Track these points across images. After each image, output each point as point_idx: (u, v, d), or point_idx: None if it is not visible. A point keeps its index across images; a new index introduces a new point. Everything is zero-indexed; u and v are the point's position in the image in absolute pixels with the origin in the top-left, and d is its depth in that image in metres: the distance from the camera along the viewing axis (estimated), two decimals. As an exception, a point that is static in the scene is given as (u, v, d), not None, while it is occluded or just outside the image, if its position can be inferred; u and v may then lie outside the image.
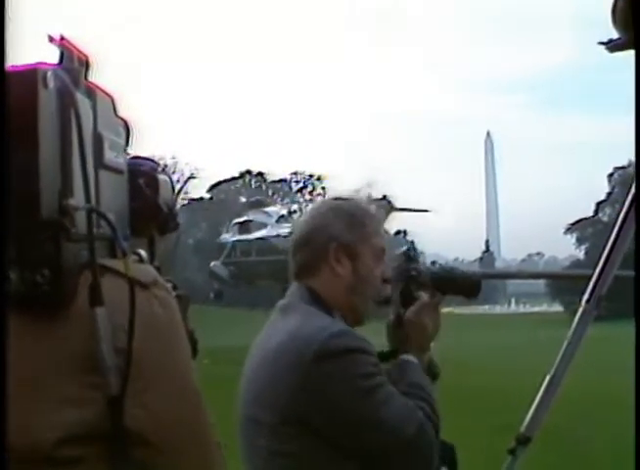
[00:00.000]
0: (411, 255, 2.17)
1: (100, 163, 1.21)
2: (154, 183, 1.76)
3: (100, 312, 1.12)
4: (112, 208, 1.23)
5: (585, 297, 2.37)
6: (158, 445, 1.15)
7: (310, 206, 2.16)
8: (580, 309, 2.37)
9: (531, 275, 16.12)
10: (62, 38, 1.18)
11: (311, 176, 64.65)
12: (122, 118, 1.32)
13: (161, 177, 1.81)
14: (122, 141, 1.32)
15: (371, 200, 2.13)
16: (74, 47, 1.20)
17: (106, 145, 1.23)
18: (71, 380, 1.12)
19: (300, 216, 2.13)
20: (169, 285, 1.77)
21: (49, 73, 1.12)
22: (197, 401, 1.24)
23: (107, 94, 1.28)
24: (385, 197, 30.91)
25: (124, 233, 1.27)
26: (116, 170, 1.27)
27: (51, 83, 1.11)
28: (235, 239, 37.51)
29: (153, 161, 1.90)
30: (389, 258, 2.13)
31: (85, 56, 1.23)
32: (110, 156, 1.24)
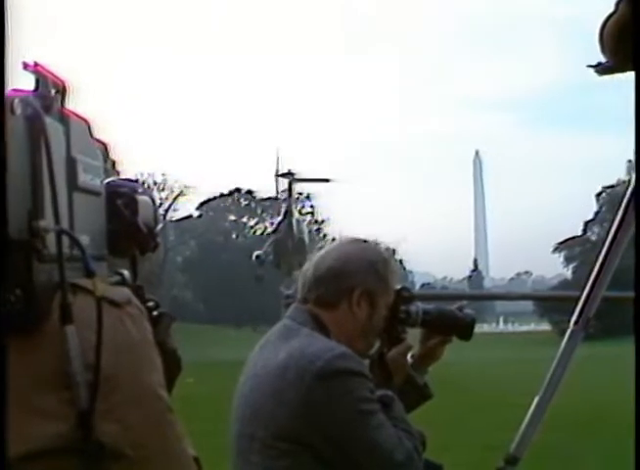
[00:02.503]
0: (404, 295, 2.21)
1: (74, 185, 1.25)
2: (133, 204, 1.79)
3: (70, 331, 1.16)
4: (87, 229, 1.27)
5: (573, 318, 2.37)
6: (132, 459, 1.18)
7: (340, 241, 2.29)
8: (568, 331, 2.37)
9: (520, 297, 16.29)
10: (36, 64, 1.22)
11: (300, 194, 64.76)
12: (102, 141, 1.38)
13: (141, 198, 1.84)
14: (100, 163, 1.37)
15: (391, 253, 2.29)
16: (50, 73, 1.24)
17: (80, 168, 1.27)
18: (45, 395, 1.15)
19: (327, 248, 2.25)
20: (152, 303, 1.78)
21: (16, 101, 1.15)
22: (169, 417, 1.27)
23: (82, 119, 1.32)
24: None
25: (101, 253, 1.32)
26: (92, 192, 1.32)
27: (18, 110, 1.15)
28: None
29: (134, 181, 1.94)
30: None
31: (62, 81, 1.27)
32: (84, 178, 1.29)
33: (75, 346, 1.15)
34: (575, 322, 2.36)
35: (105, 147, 1.39)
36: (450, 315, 2.27)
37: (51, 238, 1.17)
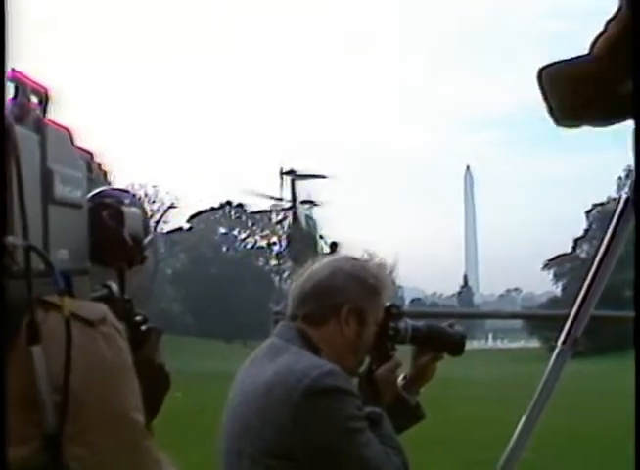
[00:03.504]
0: (393, 312, 2.21)
1: (49, 198, 1.20)
2: (119, 216, 1.75)
3: (37, 351, 1.11)
4: (65, 242, 1.22)
5: (561, 337, 2.37)
6: None
7: (329, 258, 2.23)
8: (556, 350, 2.37)
9: (509, 315, 16.39)
10: (14, 71, 1.16)
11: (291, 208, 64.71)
12: (89, 151, 1.32)
13: (128, 210, 1.80)
14: (81, 174, 1.31)
15: (384, 268, 2.24)
16: (30, 81, 1.19)
17: (56, 180, 1.21)
18: (13, 416, 1.10)
19: (316, 263, 2.22)
20: (140, 318, 1.75)
21: None
22: (144, 442, 1.23)
23: (62, 128, 1.26)
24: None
25: (82, 267, 1.27)
26: (72, 205, 1.27)
27: None
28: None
29: (125, 192, 1.90)
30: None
31: (44, 89, 1.22)
32: (62, 190, 1.23)
33: (42, 366, 1.11)
34: (563, 341, 2.36)
35: (91, 157, 1.33)
36: (440, 332, 2.26)
37: (22, 253, 1.12)
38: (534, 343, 46.42)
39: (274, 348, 2.08)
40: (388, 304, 2.21)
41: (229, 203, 64.00)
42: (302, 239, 29.02)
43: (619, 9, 2.06)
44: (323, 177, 28.79)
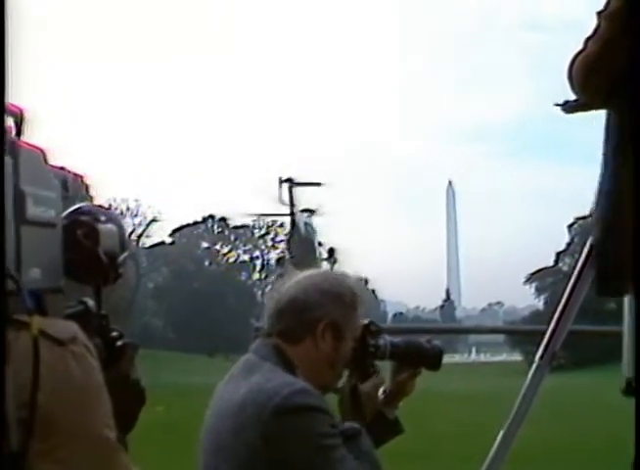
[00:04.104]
0: (372, 329, 2.23)
1: (22, 219, 1.23)
2: (93, 234, 1.76)
3: (6, 370, 1.10)
4: (37, 262, 1.24)
5: (539, 353, 2.38)
6: None
7: (305, 273, 2.23)
8: (534, 366, 2.38)
9: (490, 330, 16.55)
10: None
11: (274, 222, 64.68)
12: (63, 168, 1.33)
13: (104, 227, 1.80)
14: (55, 194, 1.32)
15: (360, 282, 2.23)
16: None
17: (29, 201, 1.24)
18: None
19: (292, 278, 2.23)
20: (116, 334, 1.75)
21: None
22: (116, 458, 1.24)
23: (35, 148, 1.28)
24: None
25: (56, 285, 1.28)
26: (45, 224, 1.28)
27: None
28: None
29: (102, 208, 1.90)
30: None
31: (20, 110, 1.24)
32: (34, 211, 1.26)
33: (10, 384, 1.10)
34: (541, 357, 2.37)
35: (71, 174, 1.35)
36: (418, 347, 2.29)
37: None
38: (516, 356, 46.53)
39: (249, 365, 2.08)
40: (366, 321, 2.22)
41: (212, 217, 63.92)
42: (302, 246, 29.91)
43: (597, 27, 2.08)
44: (318, 184, 30.11)
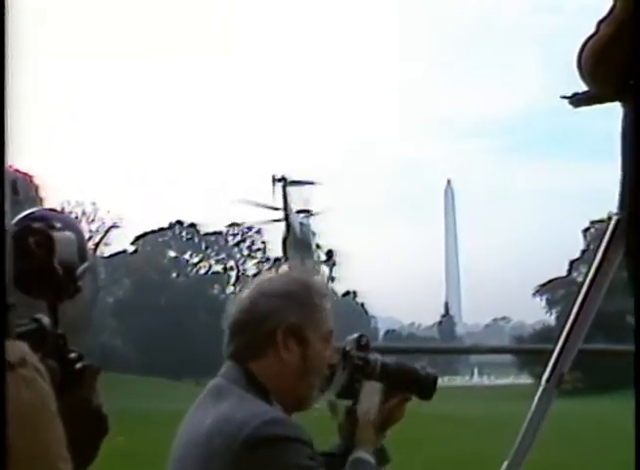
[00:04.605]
0: (362, 342, 2.25)
1: None
2: (47, 242, 1.75)
3: None
4: None
5: (545, 375, 2.38)
6: None
7: (254, 281, 2.22)
8: (540, 389, 2.39)
9: (489, 350, 16.40)
10: None
11: (250, 229, 64.61)
12: (14, 169, 1.32)
13: (59, 234, 1.79)
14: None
15: (317, 271, 2.20)
16: None
17: None
18: None
19: (243, 291, 2.20)
20: (74, 355, 1.75)
21: None
22: None
23: None
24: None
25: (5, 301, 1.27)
26: None
27: None
28: None
29: (57, 212, 1.89)
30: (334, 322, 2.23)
31: None
32: None
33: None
34: (547, 379, 2.37)
35: (20, 175, 1.34)
36: (411, 371, 2.31)
37: None
38: (525, 379, 46.64)
39: (217, 390, 2.08)
40: (356, 334, 2.24)
41: (180, 222, 63.80)
42: (297, 247, 31.21)
43: (612, 8, 2.10)
44: (312, 183, 31.60)
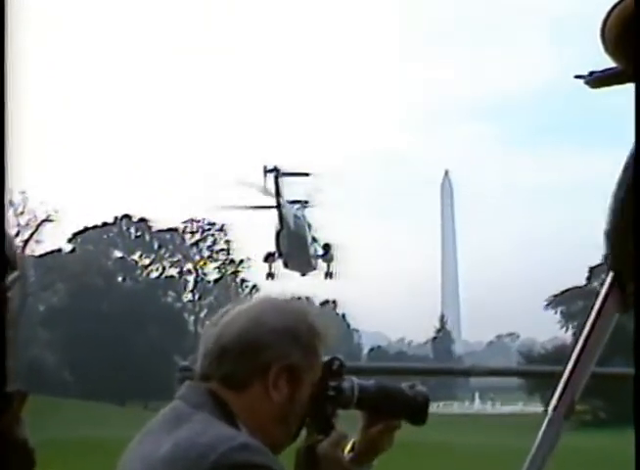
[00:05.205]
0: (333, 367, 2.26)
1: None
2: None
3: None
4: None
5: (553, 402, 2.39)
6: None
7: (254, 303, 2.28)
8: (546, 419, 2.39)
9: (491, 372, 16.42)
10: None
11: (212, 225, 64.79)
12: None
13: None
14: None
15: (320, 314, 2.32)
16: None
17: None
18: None
19: (237, 309, 2.24)
20: None
21: None
22: None
23: None
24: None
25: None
26: None
27: None
28: None
29: None
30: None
31: None
32: None
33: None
34: (555, 407, 2.38)
35: None
36: (396, 393, 2.32)
37: None
38: (535, 406, 47.00)
39: (175, 415, 2.10)
40: (327, 357, 2.25)
41: (127, 217, 63.75)
42: (291, 241, 33.38)
43: None
44: (306, 175, 33.65)
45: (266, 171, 31.00)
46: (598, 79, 2.32)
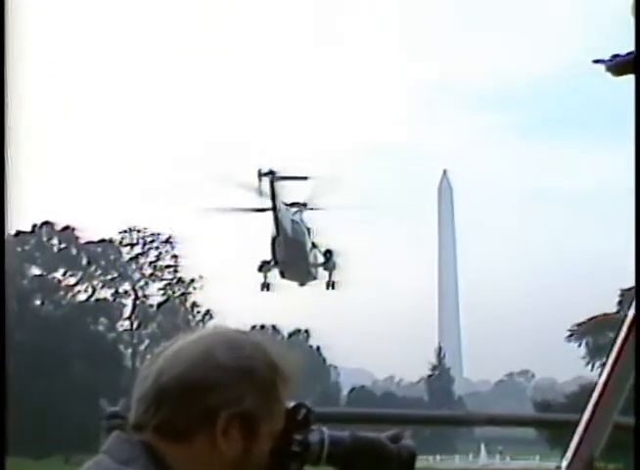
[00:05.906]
0: (298, 417, 2.31)
1: None
2: None
3: None
4: None
5: (567, 456, 2.39)
6: None
7: (200, 333, 2.32)
8: None
9: (487, 420, 16.30)
10: None
11: (156, 236, 64.68)
12: None
13: None
14: None
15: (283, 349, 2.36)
16: None
17: None
18: None
19: (180, 342, 2.26)
20: None
21: None
22: None
23: None
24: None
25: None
26: None
27: None
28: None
29: None
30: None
31: None
32: None
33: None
34: (569, 464, 2.38)
35: None
36: (375, 447, 2.37)
37: None
38: (555, 460, 47.21)
39: None
40: (292, 403, 2.32)
41: (49, 224, 63.41)
42: (288, 248, 36.14)
43: None
44: (305, 178, 36.51)
45: (261, 175, 32.36)
46: (621, 63, 2.32)
